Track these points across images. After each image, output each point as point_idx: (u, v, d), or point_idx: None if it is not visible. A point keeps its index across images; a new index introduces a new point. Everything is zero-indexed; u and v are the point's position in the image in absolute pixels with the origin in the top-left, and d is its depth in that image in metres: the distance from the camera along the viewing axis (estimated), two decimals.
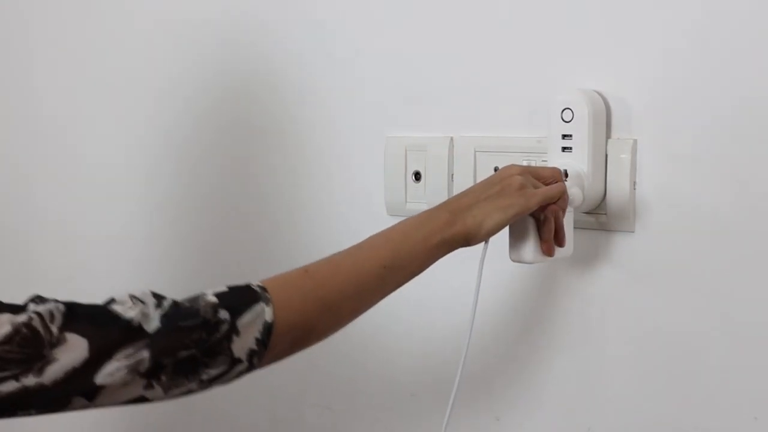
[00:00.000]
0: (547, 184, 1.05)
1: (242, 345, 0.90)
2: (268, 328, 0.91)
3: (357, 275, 0.98)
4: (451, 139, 1.24)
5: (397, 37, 1.29)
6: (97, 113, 1.67)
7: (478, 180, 1.21)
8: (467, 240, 1.01)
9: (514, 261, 1.07)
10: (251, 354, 0.91)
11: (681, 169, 1.08)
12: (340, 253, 1.00)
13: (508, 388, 1.23)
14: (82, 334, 0.84)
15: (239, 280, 0.95)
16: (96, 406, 0.87)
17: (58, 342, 0.83)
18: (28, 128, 1.77)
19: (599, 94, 1.11)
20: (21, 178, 1.80)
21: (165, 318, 0.88)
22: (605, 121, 1.11)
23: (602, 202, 1.12)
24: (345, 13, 1.34)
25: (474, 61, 1.22)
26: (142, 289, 0.90)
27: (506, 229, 1.06)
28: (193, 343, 0.88)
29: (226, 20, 1.47)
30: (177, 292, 1.57)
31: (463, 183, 1.22)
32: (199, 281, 1.53)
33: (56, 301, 0.87)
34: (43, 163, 1.76)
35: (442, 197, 1.23)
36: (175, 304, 0.90)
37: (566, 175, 1.11)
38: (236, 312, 0.90)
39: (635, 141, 1.10)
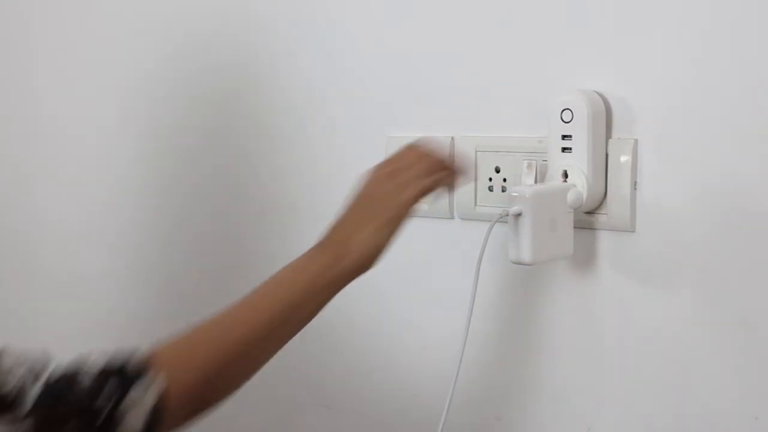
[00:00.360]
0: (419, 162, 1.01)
1: (133, 421, 0.85)
2: (155, 413, 0.86)
3: (243, 335, 0.94)
4: (452, 138, 1.24)
5: (398, 38, 1.29)
6: (97, 113, 1.66)
7: (479, 180, 1.22)
8: (361, 269, 0.98)
9: (513, 262, 1.07)
10: (144, 427, 0.86)
11: (681, 169, 1.08)
12: (228, 311, 0.95)
13: (508, 388, 1.23)
14: None
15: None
16: None
17: None
18: (27, 128, 1.77)
19: (599, 94, 1.11)
20: (20, 178, 1.80)
21: (41, 398, 0.83)
22: (605, 121, 1.11)
23: (602, 202, 1.12)
24: (346, 12, 1.34)
25: (474, 61, 1.22)
26: (34, 353, 0.86)
27: (506, 230, 1.06)
28: (77, 420, 0.83)
29: (225, 20, 1.47)
30: (177, 292, 1.57)
31: (462, 183, 1.22)
32: (199, 281, 1.54)
33: None
34: (43, 163, 1.75)
35: (443, 197, 1.23)
36: (53, 383, 0.85)
37: (566, 175, 1.11)
38: (119, 390, 0.85)
39: (636, 141, 1.10)
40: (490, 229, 1.06)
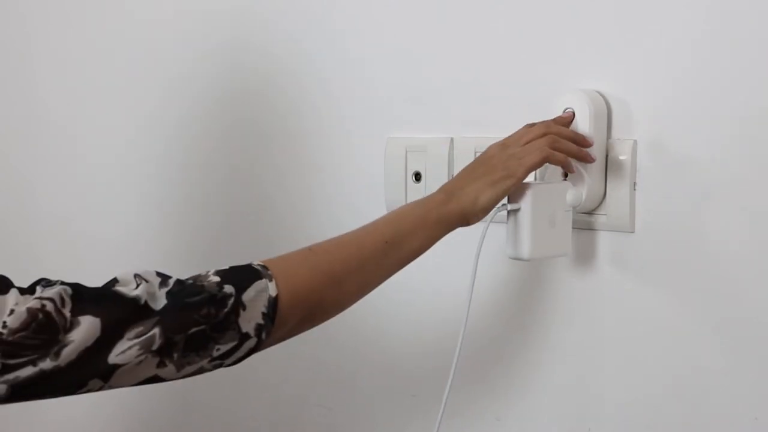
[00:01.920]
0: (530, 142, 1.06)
1: (249, 319, 0.91)
2: (273, 302, 0.93)
3: (359, 250, 1.00)
4: (452, 139, 1.24)
5: (398, 38, 1.29)
6: (100, 113, 1.67)
7: None
8: (464, 216, 1.04)
9: (511, 258, 1.07)
10: (259, 328, 0.92)
11: (681, 170, 1.08)
12: (342, 234, 1.02)
13: (508, 388, 1.23)
14: (93, 315, 0.85)
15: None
16: (111, 386, 0.88)
17: (71, 326, 0.85)
18: (29, 128, 1.77)
19: (600, 94, 1.11)
20: (22, 179, 1.80)
21: (170, 295, 0.90)
22: (606, 121, 1.11)
23: (602, 203, 1.12)
24: (345, 15, 1.34)
25: (474, 61, 1.22)
26: (145, 268, 0.92)
27: (504, 228, 1.07)
28: (202, 318, 0.89)
29: (227, 20, 1.48)
30: None
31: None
32: None
33: (62, 283, 0.88)
34: (45, 163, 1.76)
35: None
36: (180, 282, 0.92)
37: (566, 176, 1.11)
38: (240, 288, 0.92)
39: (635, 141, 1.10)
40: (488, 224, 1.06)
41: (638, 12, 1.09)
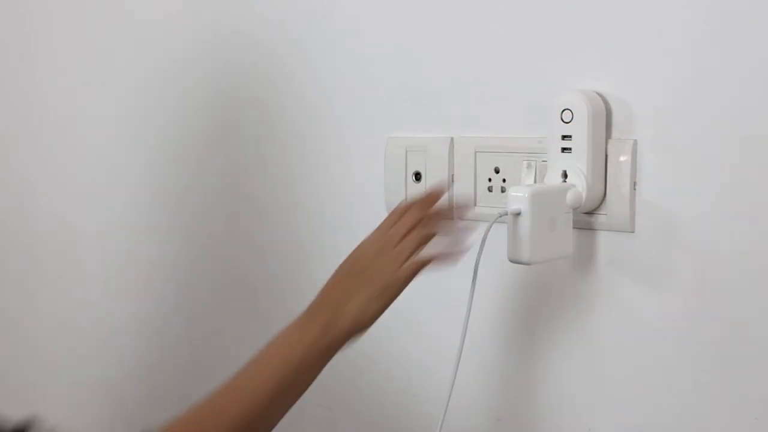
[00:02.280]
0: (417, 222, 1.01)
1: None
2: None
3: (242, 418, 0.96)
4: (452, 139, 1.24)
5: (397, 38, 1.29)
6: (97, 112, 1.67)
7: (478, 181, 1.22)
8: (352, 337, 1.00)
9: (512, 261, 1.07)
10: None
11: (681, 170, 1.08)
12: (218, 397, 0.97)
13: (508, 388, 1.23)
14: None
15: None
16: None
17: None
18: (28, 128, 1.77)
19: (599, 94, 1.11)
20: (20, 178, 1.80)
21: None
22: (605, 121, 1.11)
23: (602, 203, 1.12)
24: (345, 14, 1.34)
25: (474, 61, 1.22)
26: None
27: (505, 230, 1.06)
28: None
29: (225, 19, 1.47)
30: (176, 293, 1.57)
31: (463, 183, 1.22)
32: (199, 282, 1.54)
33: None
34: (43, 162, 1.76)
35: (443, 198, 1.23)
36: None
37: (565, 176, 1.11)
38: None
39: (635, 141, 1.10)
40: (489, 228, 1.06)
41: (638, 12, 1.09)
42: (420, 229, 1.02)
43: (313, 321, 0.99)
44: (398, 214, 1.05)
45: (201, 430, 0.94)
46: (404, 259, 1.00)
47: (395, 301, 1.31)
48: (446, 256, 1.03)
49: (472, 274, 1.07)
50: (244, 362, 1.01)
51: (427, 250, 1.02)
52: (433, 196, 1.06)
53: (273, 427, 0.99)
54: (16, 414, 0.97)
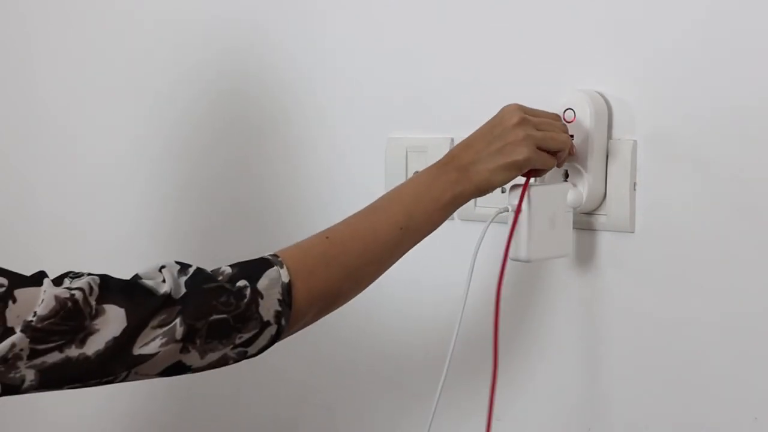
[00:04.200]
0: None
1: (268, 307, 0.93)
2: (287, 288, 0.94)
3: (375, 239, 1.01)
4: (452, 140, 1.24)
5: (398, 38, 1.29)
6: (98, 113, 1.67)
7: None
8: (478, 194, 1.04)
9: (511, 258, 1.07)
10: (278, 315, 0.94)
11: (681, 170, 1.08)
12: (356, 216, 1.02)
13: (508, 388, 1.23)
14: (118, 305, 0.88)
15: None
16: (137, 375, 0.90)
17: (97, 314, 0.87)
18: (28, 128, 1.77)
19: (600, 94, 1.11)
20: (22, 179, 1.80)
21: (190, 283, 0.91)
22: (606, 121, 1.11)
23: (602, 203, 1.12)
24: (346, 13, 1.34)
25: (475, 61, 1.22)
26: (166, 259, 0.94)
27: (505, 229, 1.06)
28: (223, 306, 0.91)
29: (225, 20, 1.48)
30: None
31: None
32: None
33: (90, 274, 0.91)
34: (45, 163, 1.76)
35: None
36: (199, 270, 0.94)
37: (566, 175, 1.12)
38: (253, 278, 0.94)
39: (635, 142, 1.10)
40: (488, 225, 1.06)
41: (638, 12, 1.09)
42: (560, 132, 1.06)
43: (445, 173, 1.03)
44: (539, 110, 1.08)
45: (326, 250, 0.99)
46: (539, 141, 1.03)
47: (395, 302, 1.32)
48: (573, 152, 1.07)
49: (468, 272, 1.07)
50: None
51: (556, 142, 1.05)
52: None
53: (392, 263, 1.03)
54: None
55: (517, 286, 1.21)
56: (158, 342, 0.89)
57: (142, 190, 1.62)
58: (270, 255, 0.97)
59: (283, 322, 0.94)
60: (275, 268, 0.95)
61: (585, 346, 1.16)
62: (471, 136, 1.05)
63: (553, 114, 1.08)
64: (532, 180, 1.07)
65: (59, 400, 1.70)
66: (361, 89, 1.33)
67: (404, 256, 1.23)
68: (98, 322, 0.87)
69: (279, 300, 0.94)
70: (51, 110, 1.74)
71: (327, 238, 1.01)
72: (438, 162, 1.05)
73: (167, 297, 0.90)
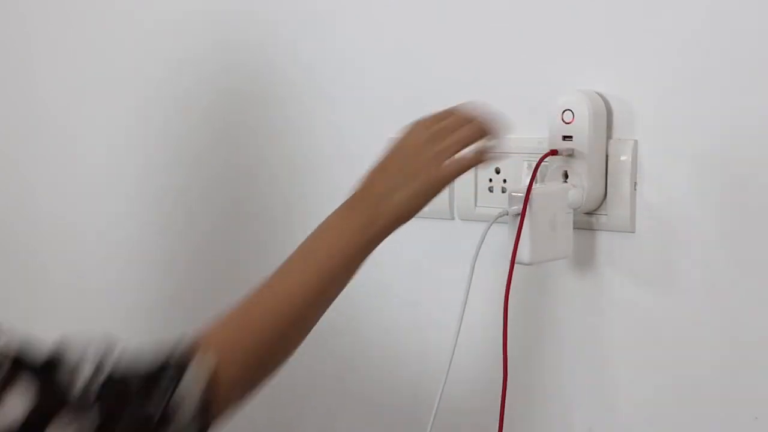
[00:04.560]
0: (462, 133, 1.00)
1: (186, 408, 0.87)
2: (208, 389, 0.89)
3: (292, 314, 0.95)
4: None
5: (398, 38, 1.29)
6: (97, 112, 1.66)
7: (479, 181, 1.22)
8: (393, 229, 0.99)
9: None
10: (200, 413, 0.88)
11: (681, 170, 1.08)
12: (270, 286, 0.96)
13: (508, 389, 1.23)
14: (22, 397, 0.82)
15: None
16: None
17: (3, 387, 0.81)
18: (27, 128, 1.77)
19: (600, 95, 1.11)
20: (20, 178, 1.80)
21: (102, 391, 0.85)
22: (606, 121, 1.11)
23: (602, 203, 1.12)
24: (346, 13, 1.34)
25: (474, 61, 1.22)
26: (95, 345, 0.88)
27: (504, 230, 1.06)
28: (136, 411, 0.85)
29: (224, 19, 1.47)
30: (176, 293, 1.57)
31: (462, 184, 1.22)
32: (198, 282, 1.54)
33: (6, 345, 0.84)
34: (44, 162, 1.75)
35: (443, 198, 1.23)
36: (111, 378, 0.86)
37: (566, 176, 1.11)
38: (172, 379, 0.87)
39: (636, 142, 1.10)
40: (488, 227, 1.06)
41: (638, 12, 1.09)
42: (467, 130, 1.00)
43: (357, 213, 0.98)
44: (444, 113, 1.03)
45: (243, 330, 0.94)
46: (449, 156, 0.99)
47: (394, 302, 1.32)
48: (488, 157, 1.01)
49: (467, 274, 1.07)
50: None
51: (470, 150, 1.00)
52: (475, 108, 1.04)
53: (315, 322, 0.98)
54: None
55: (517, 286, 1.21)
56: None
57: (143, 190, 1.62)
58: (191, 345, 0.90)
59: (209, 418, 0.89)
60: (193, 366, 0.88)
61: (585, 346, 1.16)
62: (379, 164, 1.00)
63: (448, 111, 1.02)
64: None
65: None
66: (360, 89, 1.33)
67: (404, 257, 1.24)
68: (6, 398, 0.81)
69: (198, 400, 0.88)
70: (52, 110, 1.73)
71: (244, 314, 0.94)
72: (351, 198, 0.99)
73: (79, 401, 0.83)
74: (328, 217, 1.00)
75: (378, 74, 1.31)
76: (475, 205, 1.22)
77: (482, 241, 1.06)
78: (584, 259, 1.15)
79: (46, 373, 0.84)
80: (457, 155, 0.99)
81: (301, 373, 1.43)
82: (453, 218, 1.26)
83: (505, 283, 1.06)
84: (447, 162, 0.98)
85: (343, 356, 1.39)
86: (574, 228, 1.11)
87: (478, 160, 1.01)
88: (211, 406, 0.89)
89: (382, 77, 1.31)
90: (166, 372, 0.88)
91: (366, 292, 1.34)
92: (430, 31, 1.26)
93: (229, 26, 1.47)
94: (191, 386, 0.88)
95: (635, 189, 1.10)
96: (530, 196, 1.04)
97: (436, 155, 0.98)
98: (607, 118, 1.11)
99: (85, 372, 0.85)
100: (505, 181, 1.20)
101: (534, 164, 1.13)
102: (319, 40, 1.36)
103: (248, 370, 0.93)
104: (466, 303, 1.08)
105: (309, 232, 1.41)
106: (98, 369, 0.86)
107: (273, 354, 0.96)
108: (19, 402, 0.81)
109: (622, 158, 1.10)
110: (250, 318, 0.95)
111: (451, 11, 1.24)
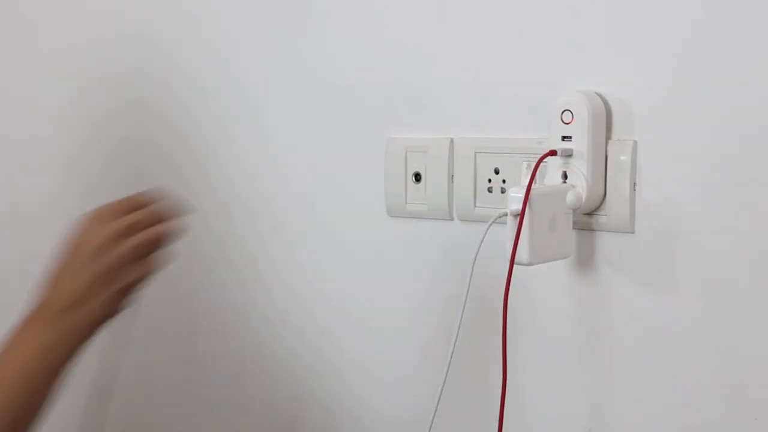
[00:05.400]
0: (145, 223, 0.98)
1: None
2: None
3: None
4: (451, 140, 1.24)
5: (397, 38, 1.29)
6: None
7: (478, 181, 1.22)
8: (93, 334, 0.96)
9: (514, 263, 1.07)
10: None
11: (681, 170, 1.08)
12: None
13: (508, 389, 1.23)
14: None
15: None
16: None
17: None
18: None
19: (599, 95, 1.11)
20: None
21: None
22: (605, 122, 1.11)
23: (602, 204, 1.12)
24: (346, 13, 1.34)
25: (474, 61, 1.22)
26: None
27: (504, 231, 1.06)
28: None
29: (224, 18, 1.47)
30: (174, 292, 1.56)
31: (462, 184, 1.22)
32: (196, 281, 1.54)
33: None
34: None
35: (442, 198, 1.23)
36: None
37: (565, 176, 1.11)
38: None
39: (635, 142, 1.10)
40: (488, 228, 1.06)
41: (638, 12, 1.09)
42: (137, 259, 0.98)
43: (56, 335, 0.94)
44: (117, 203, 0.99)
45: None
46: (144, 248, 0.97)
47: (393, 302, 1.32)
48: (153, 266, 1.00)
49: (467, 275, 1.07)
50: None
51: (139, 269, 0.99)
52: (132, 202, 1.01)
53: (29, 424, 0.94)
54: None
55: (517, 286, 1.21)
56: None
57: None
58: None
59: None
60: None
61: (585, 347, 1.16)
62: (58, 272, 0.96)
63: (125, 200, 1.00)
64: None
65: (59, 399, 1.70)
66: (360, 89, 1.33)
67: (404, 257, 1.24)
68: None
69: None
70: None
71: None
72: (36, 311, 0.95)
73: None
74: (13, 331, 0.94)
75: (378, 74, 1.31)
76: (474, 206, 1.22)
77: (482, 242, 1.06)
78: (584, 260, 1.15)
79: None
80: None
81: (301, 372, 1.43)
82: (452, 219, 1.26)
83: (505, 283, 1.05)
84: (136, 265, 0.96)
85: (344, 354, 1.39)
86: (573, 228, 1.11)
87: (146, 275, 0.99)
88: None
89: (382, 77, 1.31)
90: None
91: (365, 292, 1.34)
92: (430, 31, 1.26)
93: (226, 25, 1.47)
94: None
95: (634, 189, 1.10)
96: (529, 197, 1.04)
97: (127, 256, 0.96)
98: (606, 118, 1.11)
99: None
100: (504, 181, 1.20)
101: (533, 164, 1.13)
102: (318, 40, 1.36)
103: None
104: (465, 303, 1.08)
105: (309, 233, 1.41)
106: None
107: None
108: None
109: (622, 159, 1.10)
110: None
111: (451, 11, 1.24)
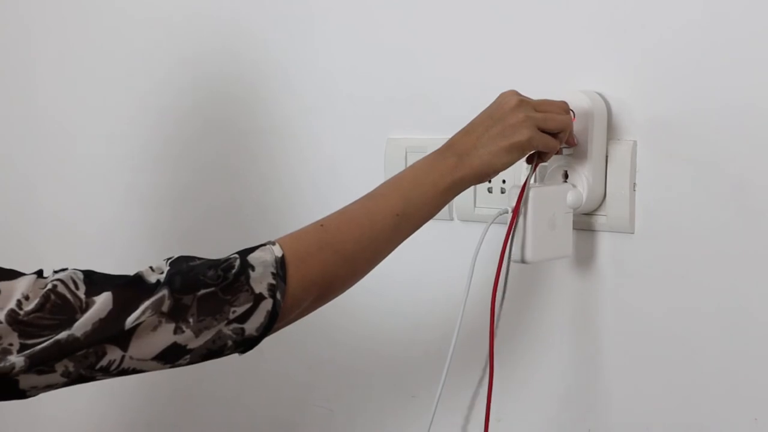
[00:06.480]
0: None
1: (260, 279, 0.91)
2: (281, 262, 0.93)
3: (371, 226, 0.99)
4: None
5: (397, 39, 1.29)
6: (99, 114, 1.67)
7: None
8: (478, 179, 1.03)
9: (512, 261, 1.07)
10: (272, 288, 0.92)
11: (681, 171, 1.08)
12: (352, 205, 1.01)
13: (509, 389, 1.23)
14: (106, 291, 0.87)
15: None
16: (133, 357, 0.88)
17: (87, 306, 0.86)
18: (27, 128, 1.77)
19: (600, 95, 1.11)
20: (21, 178, 1.80)
21: (174, 263, 0.91)
22: (606, 122, 1.11)
23: (602, 204, 1.12)
24: (346, 13, 1.34)
25: (474, 62, 1.22)
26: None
27: (504, 229, 1.06)
28: (210, 279, 0.90)
29: (225, 17, 1.47)
30: None
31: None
32: None
33: (73, 269, 0.89)
34: (44, 163, 1.76)
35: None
36: (184, 256, 0.93)
37: (566, 176, 1.12)
38: (243, 252, 0.93)
39: (635, 142, 1.10)
40: (487, 228, 1.06)
41: (638, 12, 1.09)
42: (559, 116, 1.05)
43: (443, 159, 1.02)
44: (536, 101, 1.07)
45: (328, 237, 0.97)
46: (540, 121, 1.03)
47: (393, 303, 1.32)
48: (560, 149, 1.07)
49: (468, 273, 1.07)
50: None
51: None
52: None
53: (390, 251, 1.02)
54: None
55: (517, 286, 1.21)
56: (147, 316, 0.86)
57: (143, 190, 1.62)
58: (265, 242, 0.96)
59: (278, 296, 0.92)
60: (267, 246, 0.94)
61: (585, 346, 1.16)
62: (470, 123, 1.05)
63: (551, 103, 1.07)
64: (531, 181, 1.07)
65: (60, 399, 1.71)
66: (361, 89, 1.33)
67: (403, 257, 1.23)
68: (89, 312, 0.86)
69: (273, 273, 0.92)
70: (52, 110, 1.74)
71: (321, 225, 0.99)
72: (437, 150, 1.04)
73: (154, 283, 0.89)
74: (418, 161, 1.03)
75: (378, 74, 1.31)
76: (474, 206, 1.22)
77: (482, 241, 1.06)
78: (584, 260, 1.15)
79: (121, 275, 0.90)
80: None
81: (302, 372, 1.44)
82: (452, 219, 1.26)
83: (502, 281, 1.06)
84: (538, 131, 1.02)
85: (342, 356, 1.39)
86: (573, 229, 1.11)
87: (562, 139, 1.05)
88: (284, 287, 0.92)
89: (382, 77, 1.31)
90: (239, 251, 0.93)
91: (365, 292, 1.34)
92: (430, 31, 1.26)
93: (227, 26, 1.47)
94: (263, 262, 0.92)
95: (634, 190, 1.11)
96: (529, 195, 1.05)
97: (527, 118, 1.02)
98: (607, 118, 1.11)
99: (158, 266, 0.92)
100: (504, 181, 1.20)
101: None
102: (319, 40, 1.36)
103: (321, 274, 0.96)
104: (465, 303, 1.08)
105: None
106: (167, 259, 0.93)
107: (345, 266, 0.98)
108: (105, 298, 0.87)
109: (622, 159, 1.10)
110: (328, 228, 0.99)
111: (451, 11, 1.24)
